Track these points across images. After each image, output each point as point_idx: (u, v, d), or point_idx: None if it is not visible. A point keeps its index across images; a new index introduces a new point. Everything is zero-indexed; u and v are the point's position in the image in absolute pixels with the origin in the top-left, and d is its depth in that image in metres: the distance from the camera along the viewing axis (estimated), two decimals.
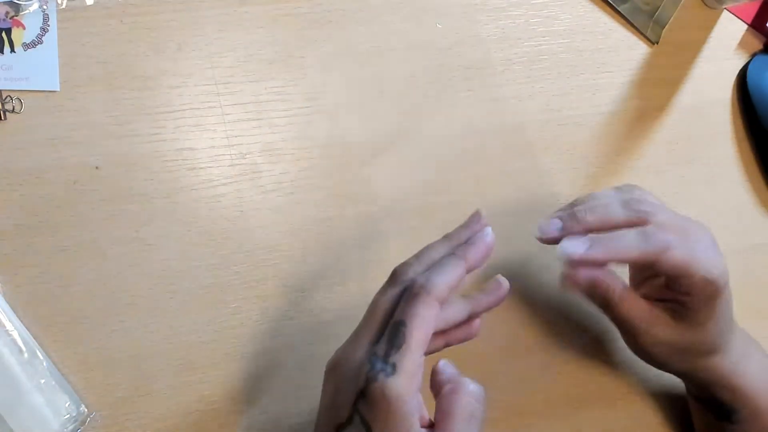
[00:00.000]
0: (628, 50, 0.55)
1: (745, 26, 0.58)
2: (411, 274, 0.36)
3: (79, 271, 0.43)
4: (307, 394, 0.44)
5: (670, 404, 0.49)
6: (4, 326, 0.40)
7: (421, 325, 0.33)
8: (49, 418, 0.40)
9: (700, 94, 0.56)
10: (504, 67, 0.52)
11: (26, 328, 0.41)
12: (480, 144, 0.50)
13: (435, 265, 0.36)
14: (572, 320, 0.49)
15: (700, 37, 0.57)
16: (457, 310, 0.37)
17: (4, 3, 0.44)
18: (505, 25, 0.53)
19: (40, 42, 0.45)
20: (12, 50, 0.44)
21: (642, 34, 0.55)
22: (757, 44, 0.58)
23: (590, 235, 0.39)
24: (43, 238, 0.43)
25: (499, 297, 0.39)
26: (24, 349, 0.40)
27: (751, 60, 0.57)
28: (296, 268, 0.46)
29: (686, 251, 0.38)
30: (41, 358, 0.41)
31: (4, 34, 0.44)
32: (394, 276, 0.36)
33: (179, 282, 0.44)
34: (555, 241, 0.39)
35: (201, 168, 0.46)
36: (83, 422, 0.41)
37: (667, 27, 0.56)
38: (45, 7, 0.45)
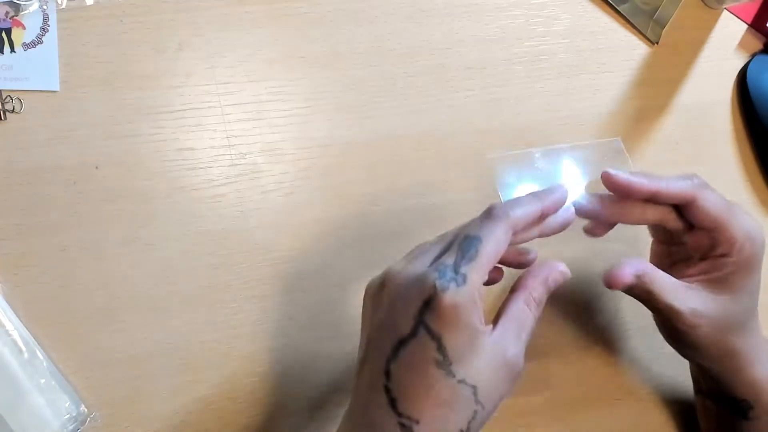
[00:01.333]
0: (628, 50, 0.55)
1: (745, 26, 0.58)
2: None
3: (79, 271, 0.43)
4: (307, 394, 0.44)
5: (671, 405, 0.49)
6: (4, 326, 0.40)
7: (495, 244, 0.33)
8: (49, 418, 0.40)
9: (700, 94, 0.56)
10: (504, 67, 0.52)
11: (26, 328, 0.41)
12: (480, 144, 0.50)
13: (513, 199, 0.37)
14: (572, 320, 0.49)
15: (700, 37, 0.57)
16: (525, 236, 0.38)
17: (4, 3, 0.44)
18: (505, 25, 0.53)
19: (40, 42, 0.45)
20: (12, 50, 0.44)
21: (642, 34, 0.55)
22: (757, 44, 0.58)
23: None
24: (43, 238, 0.43)
25: (566, 220, 0.39)
26: (24, 349, 0.40)
27: (751, 60, 0.57)
28: (296, 268, 0.46)
29: (723, 200, 0.39)
30: (41, 358, 0.41)
31: (4, 34, 0.44)
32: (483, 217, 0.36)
33: (179, 282, 0.44)
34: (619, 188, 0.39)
35: (201, 168, 0.46)
36: (83, 422, 0.41)
37: (667, 27, 0.56)
38: (45, 7, 0.45)
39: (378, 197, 0.48)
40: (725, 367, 0.41)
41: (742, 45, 0.58)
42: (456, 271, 0.32)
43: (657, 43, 0.56)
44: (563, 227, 0.39)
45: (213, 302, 0.44)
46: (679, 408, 0.49)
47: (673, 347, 0.43)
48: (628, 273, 0.38)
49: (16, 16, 0.45)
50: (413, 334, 0.32)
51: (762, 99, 0.55)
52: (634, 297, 0.40)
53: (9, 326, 0.40)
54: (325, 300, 0.46)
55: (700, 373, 0.44)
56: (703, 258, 0.40)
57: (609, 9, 0.55)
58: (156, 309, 0.43)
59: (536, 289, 0.36)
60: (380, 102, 0.49)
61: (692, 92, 0.56)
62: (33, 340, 0.41)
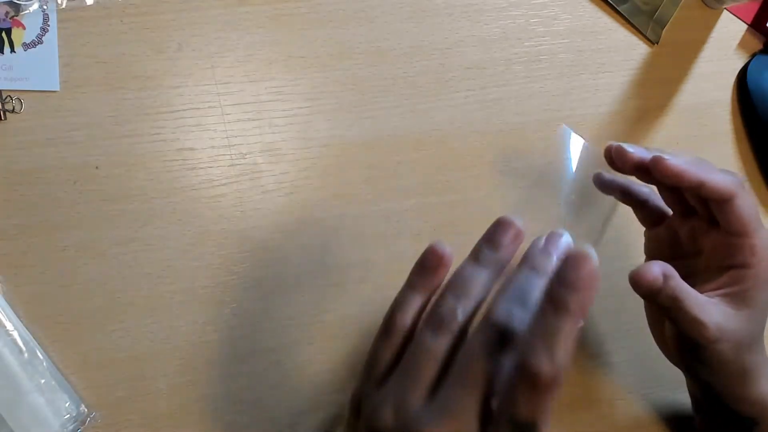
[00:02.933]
0: (628, 50, 0.55)
1: (745, 26, 0.58)
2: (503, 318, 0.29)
3: (79, 271, 0.43)
4: (307, 395, 0.44)
5: (671, 405, 0.49)
6: (4, 326, 0.40)
7: (549, 420, 0.28)
8: (49, 418, 0.40)
9: (700, 94, 0.56)
10: (504, 67, 0.52)
11: (26, 328, 0.41)
12: (480, 144, 0.50)
13: (539, 329, 0.28)
14: None
15: (700, 37, 0.57)
16: None
17: (4, 3, 0.44)
18: (505, 25, 0.53)
19: (40, 42, 0.45)
20: (12, 50, 0.44)
21: (642, 34, 0.55)
22: (757, 44, 0.58)
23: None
24: (43, 238, 0.43)
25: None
26: (24, 349, 0.40)
27: (751, 60, 0.57)
28: (296, 268, 0.46)
29: (757, 211, 0.37)
30: (41, 358, 0.41)
31: (4, 34, 0.44)
32: (492, 339, 0.29)
33: (179, 282, 0.44)
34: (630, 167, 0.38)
35: (201, 168, 0.46)
36: (83, 422, 0.41)
37: (667, 27, 0.56)
38: (45, 7, 0.45)
39: (378, 197, 0.48)
40: (733, 384, 0.40)
41: (742, 45, 0.58)
42: None
43: (657, 43, 0.56)
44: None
45: (213, 302, 0.44)
46: (679, 408, 0.49)
47: (679, 362, 0.42)
48: (656, 270, 0.36)
49: (16, 16, 0.45)
50: None
51: (762, 99, 0.55)
52: (659, 305, 0.37)
53: (9, 326, 0.40)
54: (324, 300, 0.46)
55: (701, 391, 0.43)
56: (720, 270, 0.39)
57: (609, 9, 0.55)
58: (156, 309, 0.43)
59: None
60: (380, 102, 0.49)
61: (692, 92, 0.56)
62: (33, 340, 0.41)
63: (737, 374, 0.39)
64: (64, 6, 0.45)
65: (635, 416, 0.49)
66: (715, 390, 0.41)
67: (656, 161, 0.37)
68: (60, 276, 0.42)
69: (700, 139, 0.55)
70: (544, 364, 0.27)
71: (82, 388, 0.41)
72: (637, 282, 0.37)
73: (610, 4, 0.55)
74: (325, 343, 0.45)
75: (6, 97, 0.44)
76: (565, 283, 0.27)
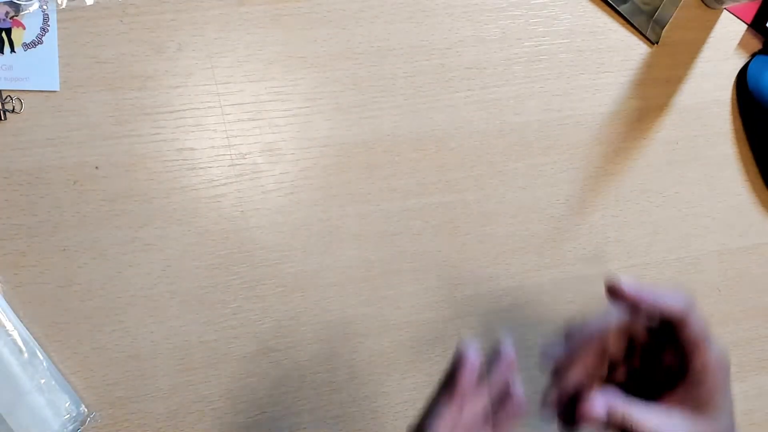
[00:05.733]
0: (628, 50, 0.55)
1: (745, 26, 0.58)
2: None
3: (79, 271, 0.43)
4: (307, 394, 0.44)
5: None
6: (4, 326, 0.40)
7: None
8: (49, 418, 0.40)
9: (700, 94, 0.56)
10: (504, 67, 0.52)
11: (26, 328, 0.41)
12: (480, 144, 0.50)
13: (428, 408, 0.36)
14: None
15: (700, 37, 0.57)
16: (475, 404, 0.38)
17: (4, 3, 0.44)
18: (505, 25, 0.53)
19: (40, 42, 0.45)
20: (12, 50, 0.44)
21: (642, 34, 0.55)
22: (757, 44, 0.58)
23: None
24: (43, 238, 0.43)
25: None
26: (24, 349, 0.40)
27: (750, 60, 0.57)
28: (296, 268, 0.46)
29: (706, 328, 0.39)
30: (41, 358, 0.41)
31: (4, 34, 0.44)
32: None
33: (179, 282, 0.44)
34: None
35: (201, 168, 0.46)
36: (83, 422, 0.41)
37: (667, 27, 0.56)
38: (45, 7, 0.45)
39: (378, 197, 0.48)
40: None
41: (742, 45, 0.58)
42: None
43: (657, 43, 0.56)
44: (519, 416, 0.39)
45: (213, 302, 0.44)
46: None
47: None
48: (598, 407, 0.38)
49: (16, 16, 0.45)
50: None
51: (762, 99, 0.55)
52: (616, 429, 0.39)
53: (9, 326, 0.40)
54: (324, 300, 0.46)
55: None
56: (675, 382, 0.40)
57: (609, 9, 0.55)
58: (156, 309, 0.43)
59: None
60: (380, 102, 0.49)
61: (692, 92, 0.56)
62: (33, 340, 0.41)
63: None
64: (64, 6, 0.45)
65: None
66: None
67: (611, 285, 0.39)
68: (60, 276, 0.42)
69: (700, 139, 0.55)
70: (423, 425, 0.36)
71: (82, 388, 0.41)
72: (580, 418, 0.38)
73: (610, 4, 0.55)
74: (326, 343, 0.45)
75: (6, 97, 0.44)
76: (449, 371, 0.37)
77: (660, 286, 0.40)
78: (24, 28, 0.44)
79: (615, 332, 0.42)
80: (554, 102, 0.52)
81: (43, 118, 0.44)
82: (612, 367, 0.44)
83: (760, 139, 0.55)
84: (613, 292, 0.39)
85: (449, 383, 0.37)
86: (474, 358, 0.37)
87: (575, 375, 0.41)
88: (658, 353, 0.41)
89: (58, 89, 0.44)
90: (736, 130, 0.56)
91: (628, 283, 0.39)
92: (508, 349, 0.39)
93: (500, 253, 0.50)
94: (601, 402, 0.38)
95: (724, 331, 0.55)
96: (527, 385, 0.37)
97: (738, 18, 0.58)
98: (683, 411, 0.40)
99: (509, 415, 0.39)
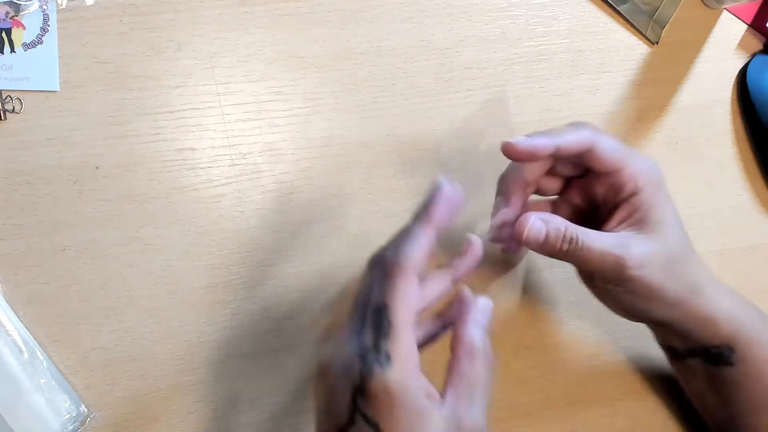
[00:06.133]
0: (628, 50, 0.55)
1: (745, 26, 0.58)
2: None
3: (79, 271, 0.43)
4: (306, 394, 0.44)
5: (671, 404, 0.49)
6: (4, 326, 0.40)
7: (403, 303, 0.31)
8: (49, 418, 0.40)
9: (700, 94, 0.56)
10: (504, 67, 0.52)
11: (26, 328, 0.41)
12: (480, 144, 0.50)
13: (399, 236, 0.33)
14: (572, 320, 0.49)
15: (700, 37, 0.57)
16: (438, 283, 0.37)
17: (4, 3, 0.44)
18: (505, 25, 0.53)
19: (40, 42, 0.45)
20: (12, 50, 0.44)
21: (642, 34, 0.55)
22: (757, 44, 0.58)
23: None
24: (43, 238, 0.43)
25: (475, 256, 0.37)
26: (24, 349, 0.40)
27: (751, 60, 0.57)
28: (296, 268, 0.46)
29: (621, 146, 0.39)
30: (41, 358, 0.41)
31: (4, 34, 0.44)
32: (369, 264, 0.34)
33: (179, 282, 0.44)
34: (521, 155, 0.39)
35: (201, 168, 0.46)
36: (83, 422, 0.41)
37: (667, 27, 0.56)
38: (45, 7, 0.45)
39: (378, 197, 0.48)
40: (692, 308, 0.39)
41: (742, 45, 0.58)
42: (377, 349, 0.30)
43: (657, 43, 0.56)
44: (476, 263, 0.38)
45: (213, 302, 0.44)
46: (679, 408, 0.49)
47: (630, 314, 0.41)
48: (535, 220, 0.37)
49: (16, 16, 0.45)
50: (351, 421, 0.30)
51: (762, 99, 0.55)
52: (568, 260, 0.39)
53: (9, 326, 0.40)
54: (324, 300, 0.46)
55: (671, 333, 0.42)
56: (615, 206, 0.40)
57: (609, 9, 0.55)
58: (156, 309, 0.43)
59: (473, 336, 0.33)
60: (380, 102, 0.49)
61: (692, 92, 0.56)
62: (33, 340, 0.41)
63: (686, 295, 0.39)
64: (64, 6, 0.45)
65: (635, 416, 0.49)
66: (678, 326, 0.40)
67: (505, 147, 0.39)
68: (60, 276, 0.42)
69: (700, 139, 0.55)
70: (389, 254, 0.32)
71: (82, 388, 0.41)
72: (519, 236, 0.38)
73: (610, 4, 0.55)
74: None
75: (6, 97, 0.44)
76: (423, 203, 0.34)
77: (558, 128, 0.40)
78: (24, 28, 0.45)
79: (543, 174, 0.42)
80: (554, 102, 0.52)
81: (43, 118, 0.44)
82: (555, 207, 0.44)
83: (760, 139, 0.55)
84: (509, 154, 0.38)
85: (424, 214, 0.34)
86: (450, 190, 0.34)
87: (515, 208, 0.41)
88: (591, 185, 0.41)
89: (58, 89, 0.44)
90: (736, 130, 0.56)
91: (519, 140, 0.38)
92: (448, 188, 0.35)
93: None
94: (537, 220, 0.37)
95: None
96: None
97: (738, 18, 0.58)
98: (628, 231, 0.39)
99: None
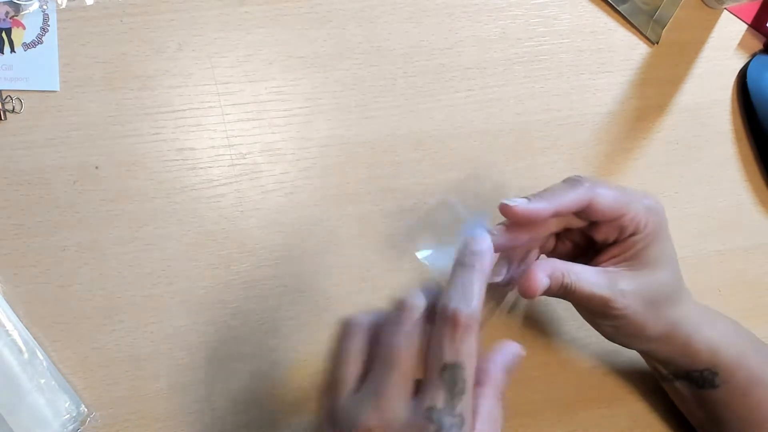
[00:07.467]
0: (628, 50, 0.55)
1: (745, 26, 0.58)
2: (417, 301, 0.32)
3: (79, 271, 0.43)
4: (307, 395, 0.44)
5: (671, 405, 0.49)
6: (4, 326, 0.40)
7: (474, 362, 0.30)
8: (49, 418, 0.40)
9: (700, 94, 0.56)
10: (504, 67, 0.52)
11: (26, 328, 0.41)
12: (480, 144, 0.50)
13: (454, 284, 0.32)
14: (572, 320, 0.49)
15: (700, 37, 0.57)
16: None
17: (4, 3, 0.44)
18: (505, 25, 0.53)
19: (40, 42, 0.45)
20: (12, 50, 0.44)
21: (642, 34, 0.55)
22: (757, 44, 0.58)
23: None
24: (43, 238, 0.43)
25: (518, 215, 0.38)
26: (24, 349, 0.40)
27: (751, 60, 0.57)
28: (296, 268, 0.46)
29: (616, 190, 0.39)
30: (41, 358, 0.41)
31: (4, 34, 0.44)
32: (428, 316, 0.32)
33: (179, 282, 0.44)
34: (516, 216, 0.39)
35: (201, 168, 0.46)
36: (83, 422, 0.41)
37: (667, 27, 0.56)
38: (45, 7, 0.45)
39: (378, 197, 0.48)
40: (672, 343, 0.41)
41: (742, 45, 0.58)
42: (452, 414, 0.29)
43: (657, 43, 0.56)
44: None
45: (213, 302, 0.44)
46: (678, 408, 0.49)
47: (619, 342, 0.43)
48: (541, 277, 0.37)
49: (16, 16, 0.45)
50: None
51: (762, 99, 0.55)
52: (557, 297, 0.39)
53: (9, 326, 0.40)
54: (324, 300, 0.46)
55: (655, 360, 0.44)
56: (612, 244, 0.40)
57: (609, 9, 0.55)
58: (156, 309, 0.43)
59: (501, 379, 0.34)
60: (380, 102, 0.49)
61: (692, 92, 0.56)
62: (33, 340, 0.41)
63: (669, 331, 0.41)
64: (64, 6, 0.45)
65: (635, 416, 0.49)
66: (662, 356, 0.42)
67: (503, 208, 0.38)
68: (60, 276, 0.42)
69: (700, 139, 0.55)
70: (462, 307, 0.31)
71: (82, 388, 0.41)
72: (526, 295, 0.38)
73: (610, 4, 0.55)
74: (325, 343, 0.45)
75: (6, 97, 0.44)
76: (468, 250, 0.33)
77: (554, 186, 0.39)
78: (24, 28, 0.45)
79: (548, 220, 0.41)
80: (554, 102, 0.52)
81: (43, 118, 0.44)
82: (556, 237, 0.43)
83: (760, 139, 0.55)
84: (507, 215, 0.38)
85: (477, 266, 0.33)
86: (489, 241, 0.34)
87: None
88: (593, 230, 0.41)
89: (58, 89, 0.44)
90: (736, 130, 0.56)
91: (518, 203, 0.38)
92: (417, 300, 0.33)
93: None
94: (544, 277, 0.37)
95: None
96: None
97: (738, 18, 0.58)
98: (619, 267, 0.40)
99: None
